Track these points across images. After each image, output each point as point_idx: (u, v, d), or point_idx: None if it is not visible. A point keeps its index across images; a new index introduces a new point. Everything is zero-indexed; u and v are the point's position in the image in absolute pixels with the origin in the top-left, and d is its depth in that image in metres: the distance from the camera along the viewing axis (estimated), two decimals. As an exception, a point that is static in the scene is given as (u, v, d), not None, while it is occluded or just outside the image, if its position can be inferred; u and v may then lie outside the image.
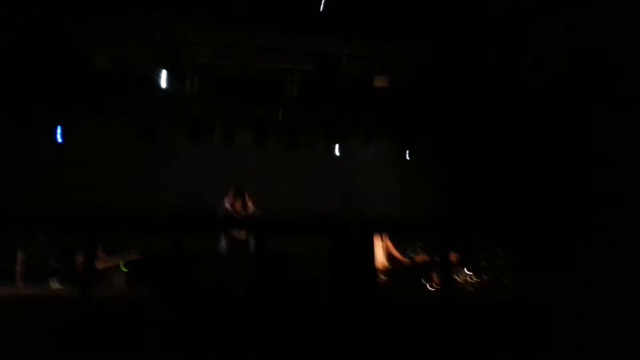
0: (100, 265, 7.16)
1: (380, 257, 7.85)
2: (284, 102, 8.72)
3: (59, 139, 8.58)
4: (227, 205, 7.24)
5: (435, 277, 8.16)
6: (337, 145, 10.10)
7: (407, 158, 10.34)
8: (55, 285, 7.06)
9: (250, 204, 7.37)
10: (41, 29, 6.86)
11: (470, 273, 8.35)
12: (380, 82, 8.47)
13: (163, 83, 7.69)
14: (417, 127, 9.88)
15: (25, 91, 7.81)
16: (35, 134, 8.76)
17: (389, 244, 8.04)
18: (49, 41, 7.01)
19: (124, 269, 7.51)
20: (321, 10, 6.48)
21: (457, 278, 8.23)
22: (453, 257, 8.59)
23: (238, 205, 7.24)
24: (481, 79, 8.27)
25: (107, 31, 6.97)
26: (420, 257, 7.96)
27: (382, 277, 7.77)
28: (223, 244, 7.24)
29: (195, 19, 6.69)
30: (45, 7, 6.52)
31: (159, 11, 6.43)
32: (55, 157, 8.82)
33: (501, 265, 8.43)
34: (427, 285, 7.91)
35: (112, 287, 7.26)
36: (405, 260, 7.95)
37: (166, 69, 7.49)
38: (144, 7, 6.43)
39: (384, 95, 8.70)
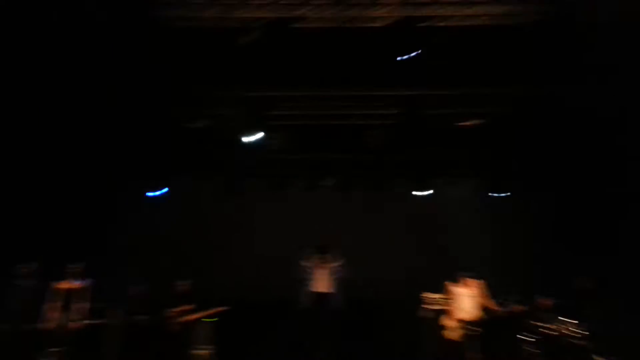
0: (190, 318, 7.30)
1: (470, 308, 7.37)
2: (369, 148, 8.67)
3: (151, 195, 9.01)
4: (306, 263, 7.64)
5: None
6: (423, 187, 9.89)
7: (495, 195, 9.86)
8: None
9: (330, 257, 7.57)
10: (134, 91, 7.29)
11: (570, 321, 7.54)
12: (465, 122, 8.23)
13: (252, 138, 7.79)
14: (506, 166, 9.46)
15: (121, 155, 8.33)
16: (129, 194, 9.33)
17: (485, 292, 7.47)
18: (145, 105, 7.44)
19: (209, 320, 7.58)
20: (398, 59, 6.49)
21: (556, 329, 7.46)
22: (546, 303, 7.86)
23: (317, 261, 7.56)
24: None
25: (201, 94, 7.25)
26: (518, 307, 7.35)
27: (475, 328, 7.24)
28: (304, 297, 7.38)
29: (282, 77, 6.84)
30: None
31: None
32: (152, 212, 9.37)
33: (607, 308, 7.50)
34: None
35: (201, 337, 7.37)
36: (501, 310, 7.35)
37: (255, 125, 7.65)
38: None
39: (469, 135, 8.43)
